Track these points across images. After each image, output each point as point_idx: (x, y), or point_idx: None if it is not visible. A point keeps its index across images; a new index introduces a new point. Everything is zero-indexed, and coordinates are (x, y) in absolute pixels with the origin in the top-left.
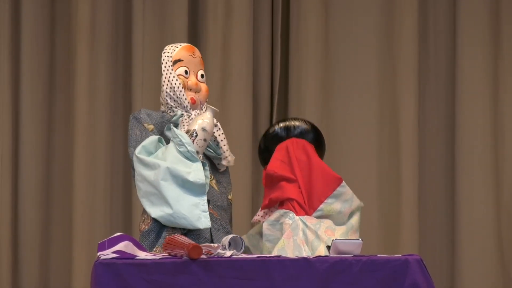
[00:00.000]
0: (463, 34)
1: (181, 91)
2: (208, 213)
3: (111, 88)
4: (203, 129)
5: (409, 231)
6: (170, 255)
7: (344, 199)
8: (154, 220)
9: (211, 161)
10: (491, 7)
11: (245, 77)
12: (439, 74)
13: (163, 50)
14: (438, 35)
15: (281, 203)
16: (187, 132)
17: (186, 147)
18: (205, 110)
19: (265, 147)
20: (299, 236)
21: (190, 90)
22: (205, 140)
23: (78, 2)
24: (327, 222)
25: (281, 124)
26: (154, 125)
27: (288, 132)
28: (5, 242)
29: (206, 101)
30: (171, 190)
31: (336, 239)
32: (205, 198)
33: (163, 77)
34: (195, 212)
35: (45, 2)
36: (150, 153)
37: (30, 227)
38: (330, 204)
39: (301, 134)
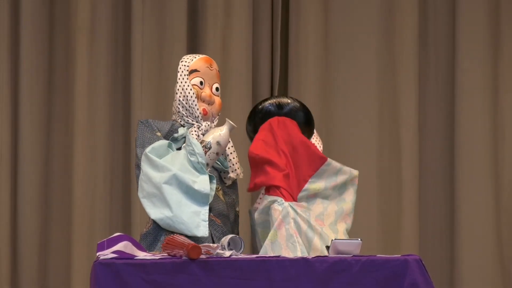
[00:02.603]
0: (463, 34)
1: (194, 101)
2: (207, 222)
3: (110, 88)
4: (218, 143)
5: (409, 231)
6: (169, 255)
7: (327, 176)
8: (154, 224)
9: (219, 173)
10: (491, 7)
11: (245, 77)
12: (439, 74)
13: (180, 59)
14: (438, 35)
15: (267, 189)
16: (201, 142)
17: (197, 157)
18: (216, 122)
19: (254, 128)
20: (291, 225)
21: (203, 101)
22: (217, 154)
23: (78, 2)
24: (316, 208)
25: (272, 100)
26: (161, 134)
27: (279, 109)
28: (5, 242)
29: (218, 115)
30: (174, 194)
31: (335, 239)
32: (207, 208)
33: (177, 85)
34: (195, 219)
35: (45, 2)
36: (159, 156)
37: (29, 227)
38: (314, 183)
39: (291, 112)
